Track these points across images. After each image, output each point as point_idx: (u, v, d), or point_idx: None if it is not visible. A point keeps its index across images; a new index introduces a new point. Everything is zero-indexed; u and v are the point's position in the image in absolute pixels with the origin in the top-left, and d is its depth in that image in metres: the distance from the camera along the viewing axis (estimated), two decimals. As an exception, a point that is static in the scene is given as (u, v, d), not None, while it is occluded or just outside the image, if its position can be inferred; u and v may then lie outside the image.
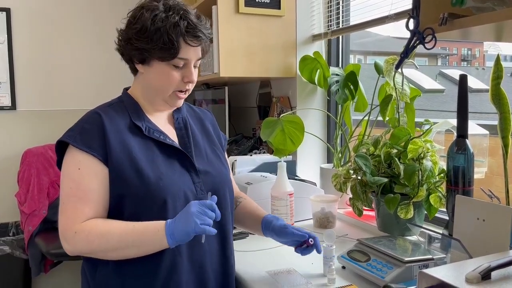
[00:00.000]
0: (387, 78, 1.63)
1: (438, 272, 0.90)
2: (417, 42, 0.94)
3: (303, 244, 1.23)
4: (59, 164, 1.16)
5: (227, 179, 1.29)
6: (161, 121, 1.25)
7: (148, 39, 1.12)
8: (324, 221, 1.73)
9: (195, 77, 1.20)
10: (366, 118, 1.90)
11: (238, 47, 2.07)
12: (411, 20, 0.95)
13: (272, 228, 1.27)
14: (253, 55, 2.10)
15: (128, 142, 1.13)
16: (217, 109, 2.53)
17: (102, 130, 1.12)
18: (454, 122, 1.62)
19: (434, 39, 0.93)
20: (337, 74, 2.03)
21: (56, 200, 2.58)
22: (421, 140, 1.49)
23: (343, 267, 1.33)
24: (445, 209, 1.49)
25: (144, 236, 1.06)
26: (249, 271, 1.33)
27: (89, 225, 1.07)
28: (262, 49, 2.12)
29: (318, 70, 2.08)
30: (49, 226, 2.57)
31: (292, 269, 1.30)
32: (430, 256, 1.20)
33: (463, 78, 1.34)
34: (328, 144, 2.07)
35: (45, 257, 2.50)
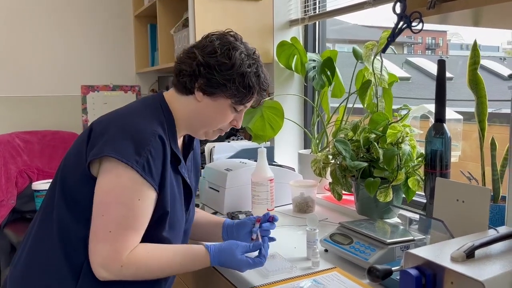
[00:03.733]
0: (366, 64, 1.64)
1: (424, 252, 0.92)
2: (404, 26, 0.94)
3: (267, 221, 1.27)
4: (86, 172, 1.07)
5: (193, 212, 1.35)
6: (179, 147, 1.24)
7: (231, 78, 1.12)
8: (304, 206, 1.75)
9: (240, 124, 1.25)
10: (344, 104, 1.91)
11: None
12: (398, 4, 0.96)
13: (235, 225, 1.31)
14: (230, 40, 2.07)
15: (170, 172, 1.13)
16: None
17: (163, 159, 1.08)
18: (430, 107, 1.66)
19: (421, 23, 0.93)
20: (314, 60, 2.03)
21: (25, 190, 2.49)
22: (400, 125, 1.51)
23: (326, 250, 1.34)
24: (422, 192, 1.53)
25: (193, 265, 1.13)
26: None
27: (137, 258, 1.04)
28: (239, 33, 2.08)
29: (296, 56, 2.07)
30: (18, 216, 2.48)
31: (276, 253, 1.30)
32: (411, 237, 1.23)
33: (441, 64, 1.37)
34: (306, 130, 2.08)
35: (15, 248, 2.42)
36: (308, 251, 1.29)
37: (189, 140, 1.29)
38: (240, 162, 1.85)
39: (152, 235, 1.10)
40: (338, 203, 1.76)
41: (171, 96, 1.20)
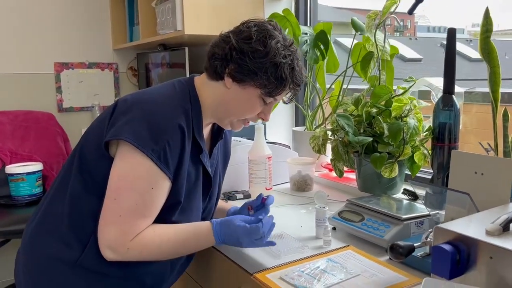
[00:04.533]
0: (369, 34, 1.57)
1: (455, 226, 0.87)
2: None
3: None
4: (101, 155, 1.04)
5: (217, 201, 1.30)
6: (205, 136, 1.18)
7: (263, 66, 1.05)
8: (302, 184, 1.68)
9: (269, 118, 1.18)
10: (340, 79, 1.84)
11: (203, 2, 1.92)
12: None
13: (237, 212, 1.26)
14: (219, 11, 1.96)
15: (188, 162, 1.07)
16: (176, 75, 2.37)
17: (182, 150, 1.03)
18: (431, 80, 1.61)
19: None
20: (306, 33, 1.95)
21: (-2, 174, 2.33)
22: (405, 97, 1.46)
23: (334, 228, 1.28)
24: (427, 168, 1.49)
25: (197, 243, 1.08)
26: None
27: (144, 240, 1.01)
28: (229, 4, 1.98)
29: (288, 29, 1.98)
30: (-9, 202, 2.32)
31: (283, 233, 1.23)
32: (426, 213, 1.18)
33: (451, 33, 1.31)
34: (300, 106, 2.00)
35: (-11, 236, 2.26)
36: (318, 230, 1.22)
37: (218, 128, 1.22)
38: (235, 140, 1.77)
39: (161, 218, 1.06)
40: (337, 180, 1.71)
41: (201, 81, 1.14)
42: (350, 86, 1.82)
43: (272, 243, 1.09)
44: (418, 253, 1.01)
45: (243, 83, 1.07)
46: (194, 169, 1.10)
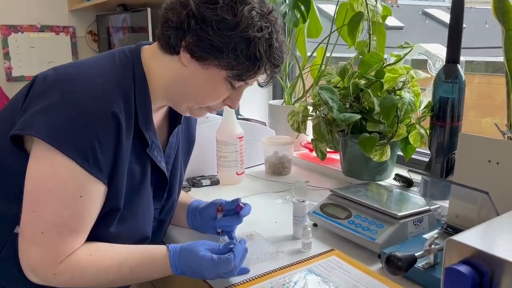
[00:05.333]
0: (358, -9, 1.32)
1: (474, 239, 0.66)
2: None
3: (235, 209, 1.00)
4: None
5: (177, 197, 1.07)
6: (157, 122, 0.95)
7: (231, 42, 0.79)
8: (279, 167, 1.46)
9: (237, 105, 0.94)
10: (323, 45, 1.60)
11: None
12: None
13: (200, 210, 1.04)
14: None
15: (130, 158, 0.84)
16: (138, 39, 2.08)
17: (117, 146, 0.80)
18: (428, 47, 1.39)
19: None
20: (284, -8, 1.68)
21: None
22: (400, 67, 1.23)
23: (315, 225, 1.08)
24: (424, 149, 1.28)
25: (148, 273, 0.85)
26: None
27: (76, 264, 0.80)
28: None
29: (264, -13, 1.71)
30: None
31: (254, 233, 1.02)
32: (426, 207, 0.98)
33: (458, -11, 1.08)
34: (278, 77, 1.76)
35: None
36: (296, 229, 1.01)
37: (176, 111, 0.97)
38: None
39: (95, 230, 0.83)
40: (319, 162, 1.50)
41: (152, 52, 0.87)
42: (334, 54, 1.58)
43: (245, 271, 0.87)
44: (419, 263, 0.81)
45: (205, 62, 0.82)
46: (139, 167, 0.87)
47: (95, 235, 0.83)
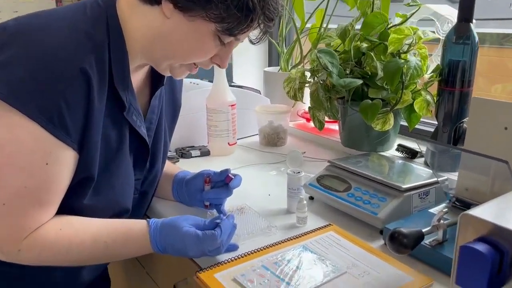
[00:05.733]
0: None
1: (492, 214, 0.58)
2: None
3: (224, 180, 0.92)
4: None
5: (162, 167, 0.98)
6: (137, 84, 0.84)
7: None
8: (274, 137, 1.37)
9: (226, 64, 0.82)
10: (323, 6, 1.49)
11: None
12: None
13: (186, 182, 0.95)
14: None
15: (105, 122, 0.75)
16: None
17: (88, 107, 0.70)
18: (435, 7, 1.28)
19: None
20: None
21: None
22: (407, 27, 1.13)
23: (311, 198, 0.99)
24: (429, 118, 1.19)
25: (125, 250, 0.77)
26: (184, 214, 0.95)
27: (44, 240, 0.71)
28: None
29: None
30: None
31: (245, 206, 0.94)
32: (433, 179, 0.89)
33: None
34: (274, 41, 1.65)
35: None
36: (290, 202, 0.93)
37: (160, 79, 0.87)
38: (191, 83, 1.43)
39: (67, 202, 0.74)
40: (316, 133, 1.41)
41: (129, 3, 0.75)
42: (335, 16, 1.47)
43: (233, 248, 0.79)
44: (426, 240, 0.73)
45: (190, 13, 0.71)
46: (115, 132, 0.78)
47: (67, 208, 0.75)
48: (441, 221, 0.73)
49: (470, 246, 0.54)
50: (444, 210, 0.74)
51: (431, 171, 0.97)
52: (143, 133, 0.83)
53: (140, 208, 0.92)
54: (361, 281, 0.69)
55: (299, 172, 0.92)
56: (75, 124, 0.69)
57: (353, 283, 0.68)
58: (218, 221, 0.76)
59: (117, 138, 0.78)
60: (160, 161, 0.93)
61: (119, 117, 0.78)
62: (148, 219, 0.78)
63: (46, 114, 0.66)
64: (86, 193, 0.76)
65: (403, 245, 0.67)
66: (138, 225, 0.77)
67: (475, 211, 0.58)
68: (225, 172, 0.91)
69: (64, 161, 0.70)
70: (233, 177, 0.90)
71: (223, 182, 0.91)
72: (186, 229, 0.74)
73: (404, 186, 0.85)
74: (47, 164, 0.68)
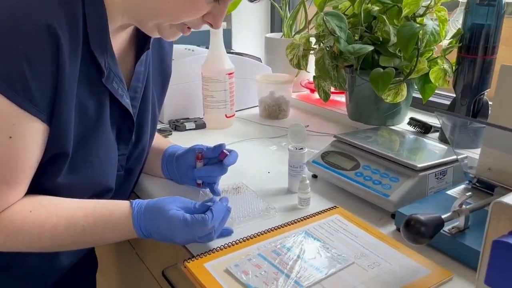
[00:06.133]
0: None
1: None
2: None
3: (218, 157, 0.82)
4: None
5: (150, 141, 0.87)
6: (119, 47, 0.74)
7: None
8: (275, 109, 1.28)
9: (220, 23, 0.71)
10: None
11: None
12: None
13: (176, 158, 0.86)
14: None
15: (80, 90, 0.65)
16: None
17: (56, 69, 0.60)
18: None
19: None
20: None
21: None
22: (424, -13, 1.01)
23: (315, 176, 0.91)
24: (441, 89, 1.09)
25: (105, 235, 0.68)
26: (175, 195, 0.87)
27: (11, 223, 0.63)
28: None
29: None
30: None
31: (241, 185, 0.85)
32: (452, 157, 0.80)
33: None
34: (277, 5, 1.53)
35: None
36: (292, 181, 0.84)
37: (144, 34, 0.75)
38: (186, 49, 1.32)
39: (39, 180, 0.66)
40: (321, 105, 1.31)
41: None
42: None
43: (227, 232, 0.71)
44: (445, 227, 0.64)
45: None
46: (93, 102, 0.68)
47: (39, 188, 0.67)
48: (463, 206, 0.65)
49: (505, 241, 0.46)
50: (467, 194, 0.65)
51: (446, 147, 0.88)
52: (126, 103, 0.74)
53: (125, 186, 0.84)
54: (370, 274, 0.60)
55: (301, 148, 0.83)
56: (43, 92, 0.59)
57: (361, 276, 0.60)
58: (209, 204, 0.67)
59: (95, 109, 0.69)
60: (148, 135, 0.84)
61: (97, 85, 0.68)
62: (131, 201, 0.69)
63: (6, 80, 0.56)
64: (60, 171, 0.67)
65: (421, 234, 0.58)
66: (120, 207, 0.68)
67: (510, 199, 0.49)
68: (219, 147, 0.82)
69: (31, 135, 0.61)
70: (228, 153, 0.81)
71: (217, 159, 0.82)
72: (173, 212, 0.65)
73: (420, 165, 0.76)
74: (10, 137, 0.59)
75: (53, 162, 0.66)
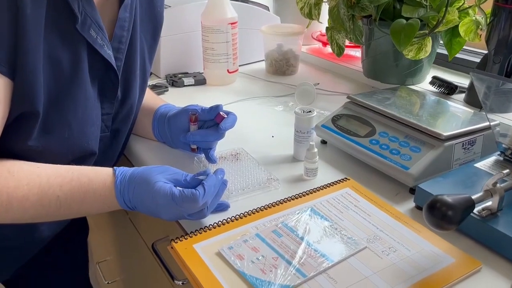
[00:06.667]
0: None
1: None
2: None
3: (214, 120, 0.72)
4: None
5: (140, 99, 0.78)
6: None
7: None
8: (283, 64, 1.16)
9: None
10: None
11: None
12: None
13: (168, 119, 0.76)
14: None
15: (50, 39, 0.56)
16: None
17: (14, 12, 0.51)
18: None
19: None
20: None
21: None
22: None
23: (324, 142, 0.81)
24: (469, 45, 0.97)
25: (83, 206, 0.59)
26: (168, 162, 0.78)
27: None
28: None
29: None
30: None
31: (241, 151, 0.76)
32: (484, 124, 0.70)
33: None
34: None
35: None
36: (298, 148, 0.75)
37: None
38: (185, -5, 1.19)
39: (7, 144, 0.58)
40: (335, 60, 1.19)
41: None
42: None
43: (222, 207, 0.62)
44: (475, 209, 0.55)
45: None
46: (67, 53, 0.59)
47: (8, 152, 0.58)
48: (497, 185, 0.55)
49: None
50: (505, 171, 0.55)
51: (473, 111, 0.77)
52: (107, 54, 0.64)
53: (112, 149, 0.75)
54: (385, 261, 0.52)
55: (310, 111, 0.73)
56: (2, 40, 0.50)
57: (374, 264, 0.52)
58: (202, 177, 0.58)
59: (70, 61, 0.59)
60: (136, 91, 0.75)
61: (71, 33, 0.58)
62: (115, 168, 0.61)
63: None
64: (31, 132, 0.58)
65: (447, 219, 0.49)
66: (101, 175, 0.60)
67: None
68: (216, 109, 0.72)
69: None
70: (225, 115, 0.71)
71: (213, 122, 0.72)
72: (159, 185, 0.56)
73: (446, 134, 0.66)
74: None
75: (22, 123, 0.57)
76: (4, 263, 0.76)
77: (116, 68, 0.66)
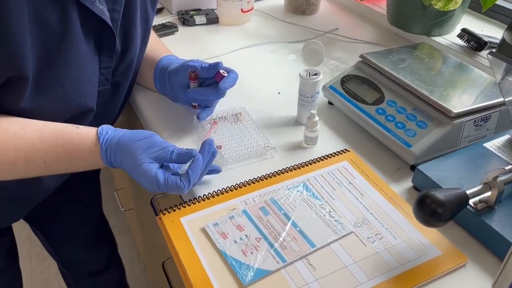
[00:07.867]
0: None
1: None
2: None
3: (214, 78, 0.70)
4: None
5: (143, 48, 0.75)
6: None
7: None
8: (302, 2, 1.08)
9: None
10: None
11: None
12: None
13: (169, 72, 0.74)
14: None
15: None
16: None
17: None
18: None
19: None
20: None
21: None
22: None
23: (330, 103, 0.78)
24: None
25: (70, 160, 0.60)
26: (161, 123, 0.77)
27: None
28: None
29: None
30: None
31: (242, 111, 0.74)
32: (499, 100, 0.64)
33: None
34: None
35: None
36: (301, 112, 0.72)
37: None
38: None
39: (1, 106, 0.58)
40: (359, 1, 1.10)
41: None
42: None
43: (215, 170, 0.62)
44: (471, 199, 0.53)
45: None
46: (55, 11, 0.55)
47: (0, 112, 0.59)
48: (498, 178, 0.52)
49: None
50: (508, 167, 0.52)
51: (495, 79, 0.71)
52: (98, 10, 0.60)
53: (113, 103, 0.75)
54: (368, 249, 0.52)
55: (316, 74, 0.69)
56: None
57: (357, 252, 0.51)
58: (186, 165, 0.57)
59: (58, 20, 0.56)
60: (137, 43, 0.72)
61: None
62: (99, 131, 0.60)
63: None
64: (22, 94, 0.57)
65: (436, 216, 0.47)
66: (86, 140, 0.59)
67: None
68: (216, 67, 0.69)
69: None
70: (225, 74, 0.68)
71: (213, 80, 0.70)
72: (144, 167, 0.56)
73: (456, 111, 0.62)
74: None
75: (11, 87, 0.56)
76: (16, 208, 0.80)
77: (110, 23, 0.63)
